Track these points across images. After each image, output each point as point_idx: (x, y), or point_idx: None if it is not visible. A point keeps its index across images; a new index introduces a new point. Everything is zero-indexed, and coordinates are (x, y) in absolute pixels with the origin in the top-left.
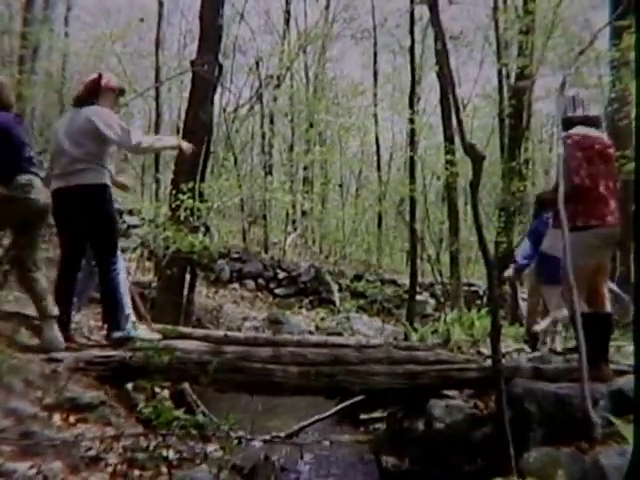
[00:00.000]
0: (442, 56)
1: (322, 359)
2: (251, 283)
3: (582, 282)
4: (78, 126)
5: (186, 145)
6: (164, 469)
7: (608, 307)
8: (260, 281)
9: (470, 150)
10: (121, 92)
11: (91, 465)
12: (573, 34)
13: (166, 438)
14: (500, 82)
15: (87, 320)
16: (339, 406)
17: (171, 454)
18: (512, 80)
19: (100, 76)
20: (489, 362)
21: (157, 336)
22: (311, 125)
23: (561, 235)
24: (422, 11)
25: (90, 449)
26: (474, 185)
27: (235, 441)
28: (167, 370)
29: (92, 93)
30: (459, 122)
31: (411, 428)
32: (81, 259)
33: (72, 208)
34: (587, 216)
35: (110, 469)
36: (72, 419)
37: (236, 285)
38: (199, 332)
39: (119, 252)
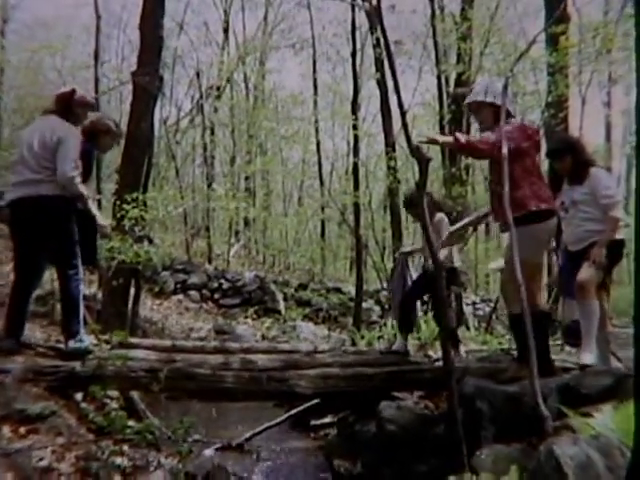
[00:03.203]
0: (386, 52)
1: (273, 364)
2: (195, 294)
3: (533, 274)
4: (40, 136)
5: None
6: (118, 478)
7: (544, 304)
8: (204, 292)
9: (416, 152)
10: (92, 107)
11: (44, 475)
12: (509, 41)
13: (119, 446)
14: (439, 89)
15: (33, 332)
16: (290, 412)
17: (125, 462)
18: (451, 87)
19: (73, 91)
20: (438, 364)
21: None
22: (250, 136)
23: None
24: (360, 20)
25: (42, 459)
26: (421, 186)
27: (188, 449)
28: (117, 379)
29: (64, 107)
30: (404, 125)
31: (363, 431)
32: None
33: (31, 219)
34: (538, 199)
35: (63, 479)
36: (22, 430)
37: (180, 296)
38: (147, 342)
39: (79, 262)
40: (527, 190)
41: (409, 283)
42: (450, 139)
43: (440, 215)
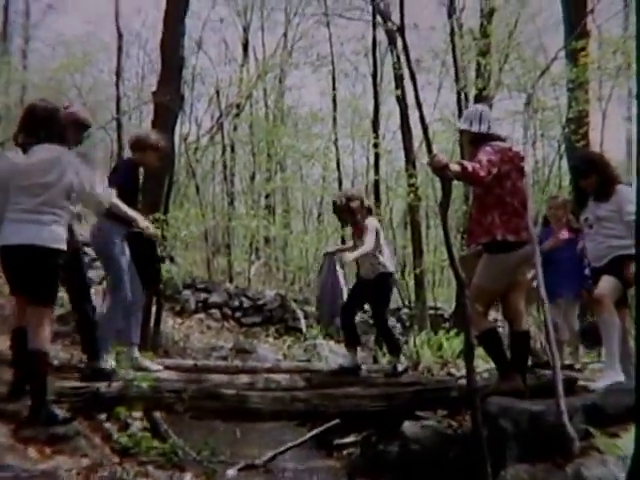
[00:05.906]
0: (409, 72)
1: (296, 384)
2: (217, 313)
3: (487, 300)
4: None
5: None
6: None
7: (524, 325)
8: (226, 310)
9: (439, 171)
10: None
11: None
12: (528, 57)
13: (144, 467)
14: (459, 105)
15: (56, 353)
16: (313, 432)
17: None
18: (471, 103)
19: (65, 107)
20: (461, 382)
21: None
22: (269, 155)
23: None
24: (380, 38)
25: None
26: (444, 205)
27: (212, 469)
28: (142, 399)
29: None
30: (427, 142)
31: (386, 451)
32: None
33: None
34: (506, 229)
35: None
36: (48, 451)
37: (202, 315)
38: (169, 362)
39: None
40: (496, 218)
41: (341, 285)
42: (458, 167)
43: (371, 219)
